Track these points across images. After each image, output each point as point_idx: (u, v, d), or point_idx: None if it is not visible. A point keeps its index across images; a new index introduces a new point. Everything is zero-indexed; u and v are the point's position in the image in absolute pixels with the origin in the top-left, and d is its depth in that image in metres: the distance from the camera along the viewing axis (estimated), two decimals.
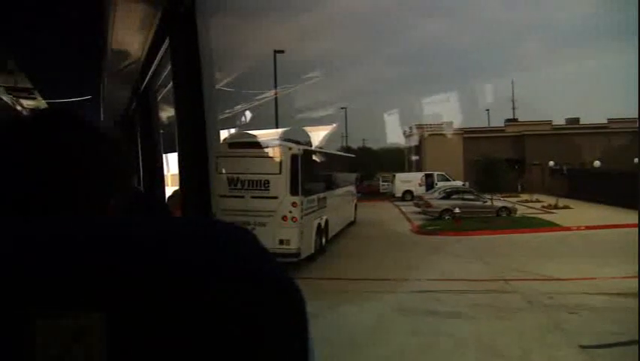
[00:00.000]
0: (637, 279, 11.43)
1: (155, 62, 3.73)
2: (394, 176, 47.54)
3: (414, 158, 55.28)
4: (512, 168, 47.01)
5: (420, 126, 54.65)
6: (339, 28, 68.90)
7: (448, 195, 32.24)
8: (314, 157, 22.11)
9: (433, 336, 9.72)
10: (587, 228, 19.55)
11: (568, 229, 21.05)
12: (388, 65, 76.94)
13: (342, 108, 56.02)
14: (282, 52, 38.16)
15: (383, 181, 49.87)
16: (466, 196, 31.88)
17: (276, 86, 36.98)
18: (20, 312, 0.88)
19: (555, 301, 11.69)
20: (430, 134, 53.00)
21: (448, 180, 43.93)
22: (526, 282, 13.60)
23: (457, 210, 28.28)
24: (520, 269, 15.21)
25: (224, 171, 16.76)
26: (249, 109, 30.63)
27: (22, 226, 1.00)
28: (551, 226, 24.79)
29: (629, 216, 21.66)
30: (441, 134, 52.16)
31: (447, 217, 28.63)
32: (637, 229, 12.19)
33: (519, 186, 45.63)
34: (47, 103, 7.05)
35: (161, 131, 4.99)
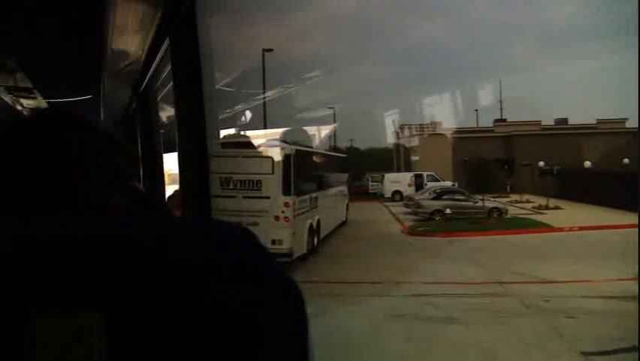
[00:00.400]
0: (633, 281, 11.40)
1: (155, 62, 3.72)
2: (383, 176, 47.56)
3: (403, 158, 55.40)
4: (501, 168, 47.26)
5: (409, 127, 54.81)
6: (338, 27, 68.90)
7: (438, 195, 32.19)
8: (306, 157, 22.08)
9: (429, 343, 9.61)
10: (580, 229, 19.63)
11: (560, 230, 21.13)
12: (377, 65, 76.97)
13: (329, 108, 55.90)
14: (270, 50, 37.90)
15: (372, 181, 49.83)
16: (457, 197, 31.87)
17: (264, 86, 36.86)
18: (20, 312, 0.87)
19: (552, 305, 11.62)
20: (419, 135, 53.17)
21: (437, 180, 44.04)
22: (521, 285, 13.55)
23: (447, 210, 28.30)
24: (515, 271, 15.15)
25: (216, 170, 16.70)
26: (242, 109, 30.64)
27: (22, 225, 0.99)
28: (543, 226, 24.90)
29: (620, 217, 21.76)
30: (430, 135, 52.34)
31: (437, 218, 28.62)
32: (633, 230, 12.15)
33: (508, 187, 45.77)
34: (47, 102, 7.07)
35: (161, 131, 5.00)
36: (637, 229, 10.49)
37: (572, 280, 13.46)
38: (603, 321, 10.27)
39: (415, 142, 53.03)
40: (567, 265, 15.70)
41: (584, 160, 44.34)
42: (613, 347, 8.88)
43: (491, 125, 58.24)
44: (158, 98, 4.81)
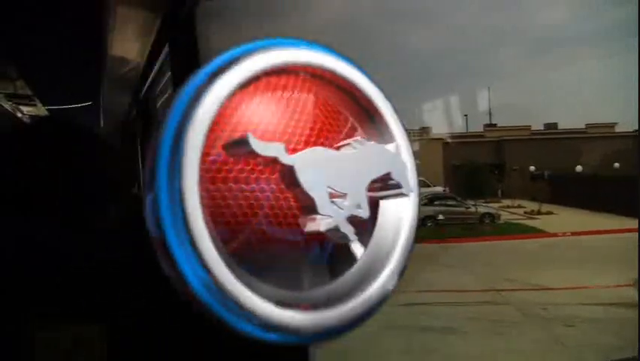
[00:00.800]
0: (630, 287, 11.34)
1: (155, 68, 3.63)
2: None
3: None
4: (492, 173, 47.38)
5: None
6: (336, 32, 69.32)
7: (430, 201, 32.06)
8: None
9: (428, 355, 9.47)
10: (574, 234, 19.61)
11: (554, 235, 21.12)
12: (368, 69, 77.37)
13: None
14: None
15: None
16: (449, 202, 31.81)
17: None
18: (20, 313, 0.84)
19: (550, 313, 11.53)
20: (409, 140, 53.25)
21: (428, 185, 44.03)
22: (518, 292, 13.46)
23: (440, 216, 28.21)
24: (511, 278, 15.02)
25: None
26: None
27: (23, 225, 0.98)
28: (537, 232, 24.87)
29: (614, 222, 21.78)
30: (420, 140, 52.41)
31: (429, 224, 28.51)
32: (628, 235, 12.13)
33: (499, 192, 45.84)
34: (47, 110, 7.14)
35: None
36: (634, 234, 10.49)
37: (569, 287, 13.38)
38: (603, 329, 10.17)
39: None
40: (562, 271, 15.61)
41: (575, 164, 44.49)
42: (614, 356, 8.80)
43: (481, 130, 58.52)
44: (158, 105, 4.75)
